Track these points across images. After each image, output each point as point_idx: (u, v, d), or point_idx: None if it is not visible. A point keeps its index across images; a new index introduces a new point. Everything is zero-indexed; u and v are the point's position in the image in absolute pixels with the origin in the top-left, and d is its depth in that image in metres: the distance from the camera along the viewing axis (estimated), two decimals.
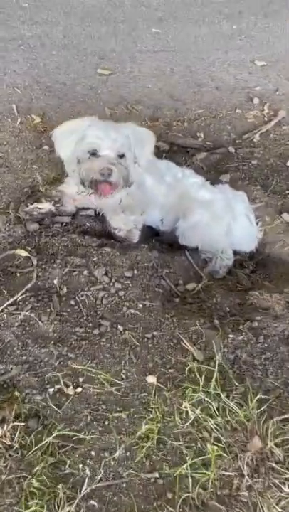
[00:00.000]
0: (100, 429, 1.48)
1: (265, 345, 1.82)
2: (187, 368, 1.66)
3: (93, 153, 2.10)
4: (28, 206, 2.31)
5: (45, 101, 3.34)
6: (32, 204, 2.32)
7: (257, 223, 2.49)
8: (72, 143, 2.13)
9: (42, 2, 4.68)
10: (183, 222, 2.41)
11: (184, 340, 1.75)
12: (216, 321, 1.88)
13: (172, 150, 3.02)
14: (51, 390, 1.56)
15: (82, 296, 1.90)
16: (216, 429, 1.49)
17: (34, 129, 3.05)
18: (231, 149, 3.05)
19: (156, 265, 2.13)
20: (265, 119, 3.46)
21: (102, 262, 2.04)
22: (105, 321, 1.80)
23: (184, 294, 2.09)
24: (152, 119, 3.31)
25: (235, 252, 2.46)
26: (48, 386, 1.57)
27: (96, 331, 1.77)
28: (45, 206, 2.31)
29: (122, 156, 2.12)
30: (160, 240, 2.49)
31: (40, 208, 2.30)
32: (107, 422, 1.49)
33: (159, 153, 2.85)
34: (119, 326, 1.79)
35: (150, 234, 2.51)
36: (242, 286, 2.23)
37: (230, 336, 1.81)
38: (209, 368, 1.66)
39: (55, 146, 2.25)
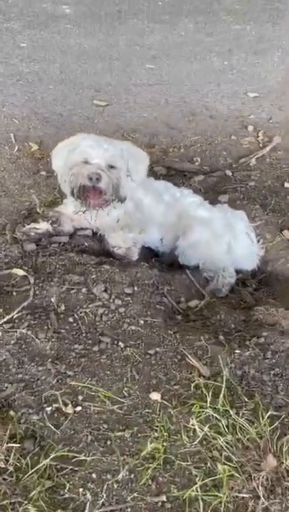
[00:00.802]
0: (102, 449, 1.37)
1: (274, 361, 1.73)
2: (193, 384, 1.57)
3: (85, 162, 2.08)
4: (24, 226, 2.27)
5: (42, 130, 3.38)
6: (29, 224, 2.28)
7: (258, 241, 2.45)
8: (65, 153, 2.12)
9: (39, 42, 4.85)
10: (182, 240, 2.37)
11: (189, 356, 1.66)
12: (222, 337, 1.81)
13: (169, 174, 3.03)
14: (49, 409, 1.46)
15: (80, 313, 1.82)
16: (226, 447, 1.38)
17: (31, 156, 3.07)
18: (228, 172, 3.06)
19: (157, 282, 2.07)
20: (260, 145, 3.51)
21: (101, 279, 1.97)
22: (105, 338, 1.72)
23: (187, 311, 2.02)
24: (149, 146, 3.34)
25: (237, 271, 2.41)
26: (45, 405, 1.47)
27: (96, 348, 1.68)
28: (43, 226, 2.27)
29: (113, 167, 2.10)
30: (160, 261, 2.44)
31: (37, 228, 2.26)
32: (109, 442, 1.39)
33: (156, 177, 2.86)
34: (120, 343, 1.70)
35: (149, 256, 2.47)
36: (246, 304, 2.16)
37: (237, 351, 1.72)
38: (216, 383, 1.56)
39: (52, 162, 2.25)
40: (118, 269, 2.04)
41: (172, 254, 2.44)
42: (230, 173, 3.05)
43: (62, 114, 3.62)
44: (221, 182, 2.94)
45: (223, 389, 1.54)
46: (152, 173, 2.93)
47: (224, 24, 6.05)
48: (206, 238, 2.36)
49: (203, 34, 5.62)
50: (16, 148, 3.10)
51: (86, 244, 2.26)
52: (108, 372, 1.60)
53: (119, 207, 2.23)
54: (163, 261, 2.45)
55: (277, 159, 3.31)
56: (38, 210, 2.45)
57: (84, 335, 1.73)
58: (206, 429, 1.41)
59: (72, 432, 1.41)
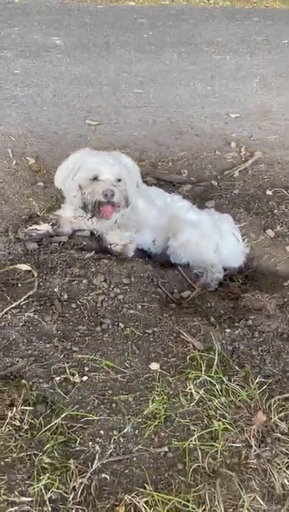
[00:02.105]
0: (108, 411, 1.50)
1: (261, 339, 1.89)
2: (189, 356, 1.71)
3: (95, 178, 2.27)
4: (27, 228, 2.44)
5: (38, 146, 3.58)
6: (31, 226, 2.45)
7: (243, 240, 2.65)
8: (69, 171, 2.31)
9: (32, 69, 5.13)
10: (174, 241, 2.56)
11: (184, 333, 1.81)
12: (213, 319, 1.97)
13: (159, 184, 3.24)
14: (58, 378, 1.59)
15: (82, 300, 1.97)
16: (220, 407, 1.52)
17: (29, 168, 3.26)
18: (214, 182, 3.29)
19: (152, 275, 2.23)
20: (243, 159, 3.76)
21: (101, 271, 2.13)
22: (107, 320, 1.86)
23: (180, 300, 2.18)
24: (139, 160, 3.55)
25: (225, 268, 2.59)
26: (54, 376, 1.60)
27: (98, 328, 1.83)
28: (43, 227, 2.44)
29: (119, 180, 2.30)
30: (152, 260, 2.62)
31: (38, 230, 2.42)
32: (114, 405, 1.52)
33: (147, 186, 3.06)
34: (120, 324, 1.85)
35: (143, 257, 2.64)
36: (234, 295, 2.33)
37: (227, 330, 1.88)
38: (210, 355, 1.72)
39: (55, 184, 2.44)
40: (116, 262, 2.21)
41: (164, 255, 2.62)
42: (216, 183, 3.28)
43: (57, 132, 3.85)
44: (208, 191, 3.16)
45: (216, 360, 1.69)
46: (144, 182, 3.14)
47: (206, 54, 6.47)
48: (196, 238, 2.55)
49: (186, 63, 6.00)
50: (14, 162, 3.29)
51: (84, 243, 2.43)
52: (111, 348, 1.74)
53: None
54: (156, 261, 2.62)
55: (259, 171, 3.56)
56: (38, 213, 2.61)
57: (87, 318, 1.88)
58: (201, 392, 1.56)
59: (80, 397, 1.54)
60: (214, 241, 2.60)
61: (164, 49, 6.41)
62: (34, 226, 2.45)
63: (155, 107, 4.54)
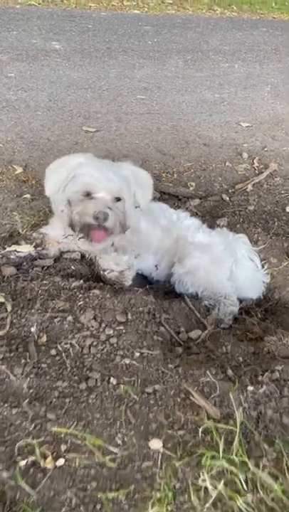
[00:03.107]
0: None
1: None
2: (201, 429, 1.29)
3: (87, 194, 1.87)
4: (4, 249, 2.03)
5: (28, 153, 3.20)
6: (10, 246, 2.04)
7: (262, 266, 2.23)
8: (62, 180, 1.90)
9: (28, 73, 4.78)
10: (179, 267, 2.15)
11: (194, 394, 1.39)
12: (230, 372, 1.54)
13: (163, 198, 2.84)
14: (23, 463, 1.16)
15: (65, 344, 1.55)
16: (246, 510, 1.09)
17: (15, 178, 2.87)
18: (225, 197, 2.89)
19: (153, 310, 1.82)
20: (256, 171, 3.37)
21: (90, 306, 1.72)
22: (94, 373, 1.44)
23: (188, 342, 1.76)
24: None
25: (241, 299, 2.18)
26: (18, 458, 1.17)
27: (83, 386, 1.40)
28: (25, 249, 2.03)
29: (118, 199, 1.90)
30: (154, 289, 2.20)
31: (18, 251, 2.02)
32: (98, 506, 1.09)
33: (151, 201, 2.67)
34: (111, 379, 1.43)
35: (143, 284, 2.23)
36: (253, 335, 1.91)
37: (250, 388, 1.46)
38: (229, 426, 1.29)
39: (46, 191, 2.01)
40: (109, 294, 1.79)
41: (168, 282, 2.21)
42: (228, 198, 2.88)
43: (50, 138, 3.47)
44: (218, 206, 2.76)
45: (237, 434, 1.26)
46: None
47: (213, 62, 6.14)
48: (206, 264, 2.14)
49: (192, 70, 5.66)
50: None
51: (73, 268, 2.02)
52: (98, 415, 1.32)
53: None
54: (158, 289, 2.21)
55: (275, 185, 3.17)
56: (20, 230, 2.21)
57: (69, 370, 1.46)
58: (220, 486, 1.13)
59: (51, 492, 1.11)
60: (228, 267, 2.19)
61: (169, 56, 6.08)
62: (14, 247, 2.04)
63: (159, 114, 4.17)
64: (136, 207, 1.96)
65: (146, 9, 8.92)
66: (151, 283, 2.29)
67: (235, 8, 10.31)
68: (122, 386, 1.40)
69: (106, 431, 1.27)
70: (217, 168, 3.34)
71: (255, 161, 3.49)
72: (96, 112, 4.05)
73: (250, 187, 3.09)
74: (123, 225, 1.90)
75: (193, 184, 3.07)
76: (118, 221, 1.86)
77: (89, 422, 1.29)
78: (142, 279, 2.29)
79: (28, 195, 2.67)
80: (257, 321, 2.05)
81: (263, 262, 2.24)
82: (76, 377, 1.43)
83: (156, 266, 2.24)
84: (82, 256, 2.10)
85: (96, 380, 1.42)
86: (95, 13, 7.98)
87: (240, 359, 1.67)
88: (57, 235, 2.05)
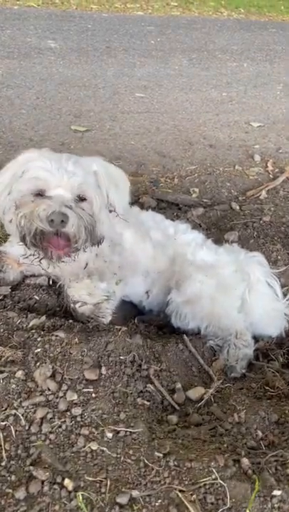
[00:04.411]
0: None
1: None
2: None
3: (39, 194, 1.39)
4: None
5: (4, 155, 2.74)
6: None
7: (284, 294, 1.74)
8: (7, 180, 1.43)
9: (17, 70, 4.38)
10: (177, 294, 1.67)
11: (192, 510, 0.89)
12: (246, 462, 1.04)
13: (160, 206, 2.37)
14: None
15: (6, 417, 1.07)
16: None
17: None
18: (235, 205, 2.41)
19: (139, 359, 1.33)
20: (271, 176, 2.89)
21: (50, 356, 1.24)
22: (40, 473, 0.95)
23: (185, 406, 1.27)
24: (136, 175, 2.71)
25: (257, 338, 1.68)
26: None
27: (20, 494, 0.91)
28: None
29: (83, 199, 1.41)
30: (145, 321, 1.72)
31: None
32: None
33: (144, 209, 2.19)
34: (66, 481, 0.94)
35: (132, 314, 1.76)
36: (275, 391, 1.41)
37: (277, 493, 0.96)
38: None
39: None
40: (78, 338, 1.31)
41: (163, 313, 1.73)
42: (238, 207, 2.40)
43: (33, 139, 3.02)
44: (227, 216, 2.28)
45: None
46: (139, 205, 2.28)
47: (220, 61, 5.71)
48: (210, 291, 1.66)
49: (198, 69, 5.23)
50: None
51: (36, 297, 1.54)
52: None
53: (91, 248, 1.52)
54: (150, 322, 1.73)
55: None
56: None
57: (4, 464, 0.97)
58: None
59: None
60: (239, 295, 1.71)
61: (172, 55, 5.66)
62: None
63: (159, 113, 3.72)
64: (110, 211, 1.47)
65: (150, 11, 8.58)
66: (142, 313, 1.81)
67: (242, 10, 9.95)
68: (80, 494, 0.91)
69: None
70: (225, 172, 2.87)
71: (268, 164, 3.02)
72: (88, 110, 3.61)
73: (264, 194, 2.62)
74: (91, 232, 1.40)
75: (197, 190, 2.60)
76: (83, 226, 1.36)
77: None
78: (132, 308, 1.81)
79: None
80: (278, 368, 1.55)
81: (284, 289, 1.75)
82: (13, 477, 0.94)
83: (147, 292, 1.76)
84: (53, 282, 1.62)
85: (42, 482, 0.93)
86: (96, 14, 7.62)
87: (259, 434, 1.18)
88: (16, 253, 1.57)
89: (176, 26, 7.42)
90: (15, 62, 4.65)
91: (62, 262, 1.44)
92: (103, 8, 8.15)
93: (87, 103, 3.76)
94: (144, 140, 3.19)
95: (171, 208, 2.35)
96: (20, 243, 1.43)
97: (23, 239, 1.39)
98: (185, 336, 1.55)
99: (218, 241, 1.99)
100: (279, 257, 1.86)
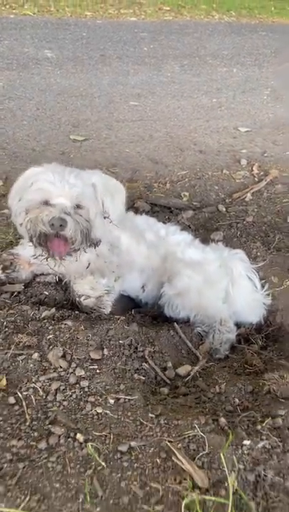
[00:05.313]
0: None
1: None
2: (184, 503, 1.04)
3: (45, 202, 1.63)
4: None
5: (10, 165, 2.98)
6: None
7: (262, 286, 1.98)
8: (19, 189, 1.68)
9: (17, 82, 4.60)
10: (169, 288, 1.91)
11: (178, 454, 1.14)
12: (223, 420, 1.29)
13: (154, 210, 2.61)
14: None
15: (27, 389, 1.31)
16: None
17: None
18: (221, 207, 2.65)
19: (136, 342, 1.57)
20: (256, 179, 3.13)
21: (60, 341, 1.48)
22: (58, 428, 1.20)
23: (175, 381, 1.51)
24: (131, 181, 2.94)
25: (238, 325, 1.93)
26: None
27: (43, 445, 1.16)
28: None
29: (81, 207, 1.66)
30: (141, 312, 1.96)
31: None
32: None
33: (138, 213, 2.43)
34: (78, 435, 1.18)
35: (129, 306, 2.00)
36: (252, 368, 1.65)
37: (246, 442, 1.21)
38: (218, 500, 1.04)
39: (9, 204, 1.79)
40: (83, 325, 1.55)
41: (157, 305, 1.97)
42: (224, 209, 2.64)
43: (35, 149, 3.25)
44: (214, 218, 2.51)
45: (229, 508, 1.01)
46: (134, 210, 2.52)
47: (211, 67, 5.94)
48: (197, 284, 1.90)
49: (189, 75, 5.46)
50: None
51: (46, 293, 1.78)
52: (57, 485, 1.07)
53: (91, 249, 1.76)
54: (145, 313, 1.97)
55: (276, 194, 2.93)
56: None
57: (28, 424, 1.21)
58: None
59: None
60: (223, 288, 1.94)
61: (165, 61, 5.89)
62: None
63: (152, 121, 3.95)
64: (105, 217, 1.72)
65: (143, 16, 8.77)
66: (139, 306, 2.05)
67: (233, 13, 10.15)
68: (89, 444, 1.16)
69: (66, 507, 1.03)
70: (213, 177, 3.10)
71: (254, 168, 3.26)
72: (86, 119, 3.85)
73: (249, 196, 2.86)
74: (87, 235, 1.65)
75: (187, 194, 2.84)
76: (79, 230, 1.61)
77: (45, 496, 1.04)
78: (129, 301, 2.05)
79: (7, 211, 2.44)
80: (257, 350, 1.80)
81: (262, 282, 1.99)
82: (36, 434, 1.19)
83: (142, 287, 2.00)
84: (59, 280, 1.86)
85: (59, 436, 1.18)
86: (90, 22, 7.83)
87: (236, 401, 1.42)
88: (27, 255, 1.82)
89: (169, 32, 7.65)
90: (14, 73, 4.88)
91: (63, 260, 1.68)
92: (97, 15, 8.36)
93: (84, 112, 3.99)
94: (138, 147, 3.42)
95: (164, 212, 2.58)
96: (30, 243, 1.68)
97: (30, 239, 1.64)
98: (176, 324, 1.80)
99: (205, 240, 2.23)
100: (258, 254, 2.10)
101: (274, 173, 3.14)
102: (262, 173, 3.21)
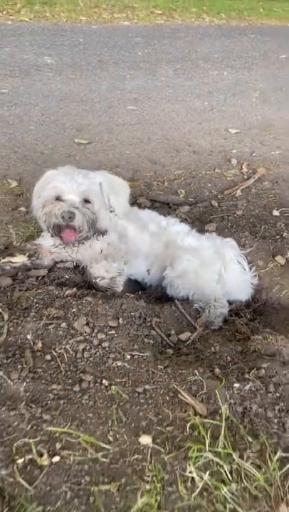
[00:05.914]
0: (84, 507, 1.14)
1: (277, 394, 1.54)
2: (188, 424, 1.36)
3: (57, 198, 1.97)
4: (0, 260, 2.11)
5: (22, 168, 3.29)
6: (4, 258, 2.12)
7: (250, 269, 2.31)
8: (38, 188, 2.03)
9: (21, 89, 4.89)
10: (170, 271, 2.23)
11: (182, 392, 1.46)
12: (218, 370, 1.62)
13: (154, 206, 2.93)
14: (21, 461, 1.23)
15: (59, 349, 1.63)
16: (231, 498, 1.16)
17: (10, 192, 2.95)
18: (214, 203, 2.97)
19: (144, 314, 1.90)
20: (245, 176, 3.46)
21: (83, 312, 1.80)
22: (87, 376, 1.52)
23: (178, 344, 1.84)
24: (132, 180, 3.26)
25: (230, 302, 2.25)
26: (16, 457, 1.25)
27: (76, 388, 1.48)
28: (19, 259, 2.12)
29: (88, 202, 1.98)
30: (147, 293, 2.28)
31: (13, 262, 2.10)
32: (92, 499, 1.16)
33: (141, 208, 2.75)
34: (103, 381, 1.50)
35: (136, 289, 2.32)
36: (241, 335, 1.98)
37: (236, 385, 1.53)
38: (215, 422, 1.36)
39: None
40: (101, 300, 1.87)
41: (160, 287, 2.29)
42: (216, 204, 2.97)
43: (43, 152, 3.56)
44: (207, 212, 2.84)
45: (223, 428, 1.34)
46: (137, 204, 2.84)
47: (202, 70, 6.26)
48: (195, 267, 2.22)
49: (182, 79, 5.78)
50: None
51: (67, 276, 2.10)
52: (90, 415, 1.39)
53: (103, 239, 2.09)
54: (151, 294, 2.29)
55: (264, 190, 3.26)
56: (14, 243, 2.29)
57: (63, 373, 1.53)
58: (206, 477, 1.20)
59: (48, 487, 1.18)
60: (216, 270, 2.27)
61: (159, 66, 6.20)
62: (8, 258, 2.12)
63: (149, 124, 4.27)
64: (111, 211, 2.04)
65: (135, 20, 9.06)
66: (144, 289, 2.37)
67: (223, 15, 10.45)
68: (113, 387, 1.48)
69: (98, 429, 1.35)
70: (206, 175, 3.43)
71: (243, 167, 3.59)
72: (88, 124, 4.16)
73: (238, 192, 3.18)
74: (93, 225, 1.97)
75: (183, 191, 3.16)
76: (86, 220, 1.94)
77: (82, 422, 1.36)
78: (135, 285, 2.37)
79: (22, 208, 2.75)
80: (245, 321, 2.13)
81: (250, 265, 2.32)
82: (70, 380, 1.51)
83: (148, 271, 2.32)
84: (77, 265, 2.18)
85: (89, 382, 1.50)
86: (86, 27, 8.12)
87: (228, 358, 1.75)
88: (48, 245, 2.14)
89: (161, 36, 7.96)
90: (17, 80, 5.18)
91: (75, 247, 2.01)
92: (92, 20, 8.65)
93: (86, 117, 4.30)
94: (138, 149, 3.74)
95: (163, 207, 2.90)
96: (48, 234, 2.01)
97: (47, 230, 1.98)
98: (177, 301, 2.12)
99: (201, 231, 2.55)
100: (247, 242, 2.43)
101: (261, 171, 3.47)
102: (250, 171, 3.54)
